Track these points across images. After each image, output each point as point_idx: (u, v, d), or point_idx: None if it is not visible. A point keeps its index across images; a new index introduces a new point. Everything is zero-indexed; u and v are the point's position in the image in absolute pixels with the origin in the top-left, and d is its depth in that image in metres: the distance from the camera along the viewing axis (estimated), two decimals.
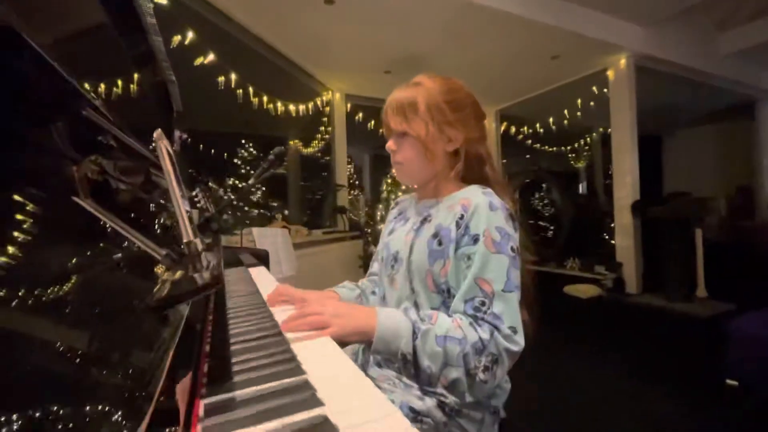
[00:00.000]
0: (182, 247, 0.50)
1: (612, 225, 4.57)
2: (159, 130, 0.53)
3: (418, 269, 0.74)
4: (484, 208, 0.70)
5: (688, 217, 3.75)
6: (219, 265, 0.74)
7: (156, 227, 0.73)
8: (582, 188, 7.42)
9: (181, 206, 0.55)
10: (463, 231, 0.70)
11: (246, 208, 4.41)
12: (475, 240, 0.68)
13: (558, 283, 4.56)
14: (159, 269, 0.44)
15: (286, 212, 5.02)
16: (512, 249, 0.68)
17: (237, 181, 4.58)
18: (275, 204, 5.05)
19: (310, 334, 0.57)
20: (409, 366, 0.62)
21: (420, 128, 0.76)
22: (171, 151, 0.60)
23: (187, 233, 0.50)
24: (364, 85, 4.83)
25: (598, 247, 5.08)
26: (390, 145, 0.82)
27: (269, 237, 2.15)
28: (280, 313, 0.66)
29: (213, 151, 4.83)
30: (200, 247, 0.51)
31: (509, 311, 0.65)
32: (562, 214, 5.97)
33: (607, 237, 5.07)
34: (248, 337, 0.52)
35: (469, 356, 0.61)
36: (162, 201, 0.89)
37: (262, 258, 1.45)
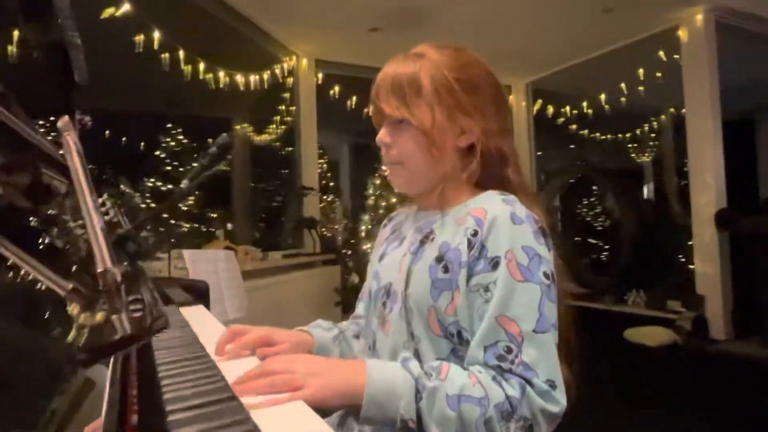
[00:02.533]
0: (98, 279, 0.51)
1: (690, 243, 4.67)
2: (66, 117, 0.55)
3: (418, 306, 0.77)
4: (505, 220, 0.73)
5: None
6: (154, 301, 0.75)
7: (45, 249, 0.74)
8: (647, 192, 7.57)
9: (95, 221, 0.56)
10: (478, 252, 0.73)
11: (173, 221, 4.38)
12: (495, 264, 0.71)
13: (616, 325, 4.61)
14: (74, 309, 0.45)
15: (230, 226, 5.01)
16: (545, 275, 0.72)
17: (160, 183, 4.57)
18: (215, 215, 5.04)
19: (276, 398, 0.59)
20: None
21: (424, 115, 0.79)
22: (80, 147, 0.62)
23: (104, 259, 0.51)
24: (342, 48, 4.89)
25: (671, 274, 5.17)
26: (382, 136, 0.84)
27: (207, 263, 2.15)
28: (233, 370, 0.67)
29: (125, 139, 4.82)
30: (119, 277, 0.52)
31: (545, 359, 0.68)
32: (621, 228, 6.07)
33: (683, 260, 5.17)
34: (188, 404, 0.53)
35: (493, 422, 0.63)
36: (54, 211, 0.90)
37: (199, 293, 1.45)
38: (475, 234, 0.74)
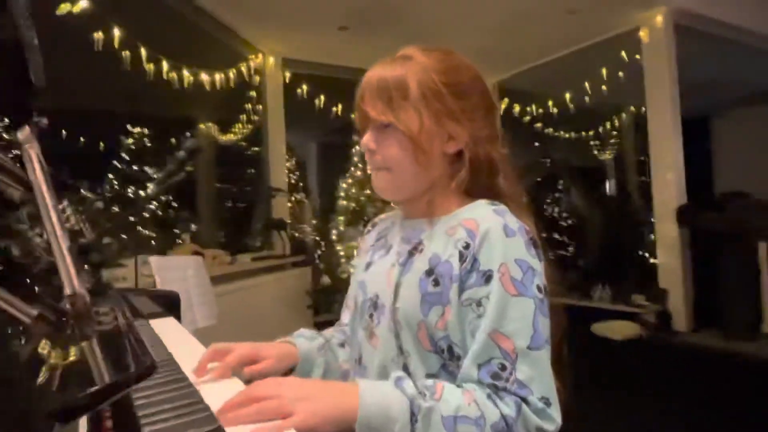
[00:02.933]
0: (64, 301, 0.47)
1: (652, 237, 4.81)
2: (27, 129, 0.51)
3: (407, 321, 0.75)
4: (497, 232, 0.71)
5: (749, 227, 4.01)
6: (129, 325, 0.70)
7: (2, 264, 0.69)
8: (609, 188, 7.77)
9: (61, 239, 0.52)
10: (470, 266, 0.72)
11: (139, 227, 4.25)
12: (488, 278, 0.70)
13: (583, 319, 4.71)
14: (44, 348, 0.41)
15: (194, 227, 4.88)
16: (539, 288, 0.71)
17: (122, 185, 4.40)
18: (179, 216, 4.90)
19: (264, 427, 0.56)
20: None
21: (411, 120, 0.77)
22: (42, 160, 0.57)
23: (71, 282, 0.47)
24: (310, 47, 4.84)
25: (635, 269, 5.32)
26: (367, 141, 0.82)
27: (176, 270, 2.07)
28: (215, 393, 0.63)
29: (83, 140, 4.63)
30: (88, 298, 0.48)
31: (539, 375, 0.67)
32: (586, 224, 6.21)
33: (645, 255, 5.32)
34: None
35: None
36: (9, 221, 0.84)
37: (170, 304, 1.40)
38: (466, 246, 0.72)
